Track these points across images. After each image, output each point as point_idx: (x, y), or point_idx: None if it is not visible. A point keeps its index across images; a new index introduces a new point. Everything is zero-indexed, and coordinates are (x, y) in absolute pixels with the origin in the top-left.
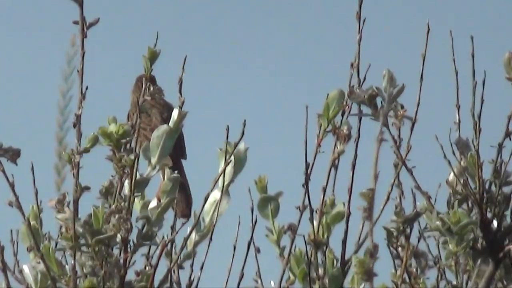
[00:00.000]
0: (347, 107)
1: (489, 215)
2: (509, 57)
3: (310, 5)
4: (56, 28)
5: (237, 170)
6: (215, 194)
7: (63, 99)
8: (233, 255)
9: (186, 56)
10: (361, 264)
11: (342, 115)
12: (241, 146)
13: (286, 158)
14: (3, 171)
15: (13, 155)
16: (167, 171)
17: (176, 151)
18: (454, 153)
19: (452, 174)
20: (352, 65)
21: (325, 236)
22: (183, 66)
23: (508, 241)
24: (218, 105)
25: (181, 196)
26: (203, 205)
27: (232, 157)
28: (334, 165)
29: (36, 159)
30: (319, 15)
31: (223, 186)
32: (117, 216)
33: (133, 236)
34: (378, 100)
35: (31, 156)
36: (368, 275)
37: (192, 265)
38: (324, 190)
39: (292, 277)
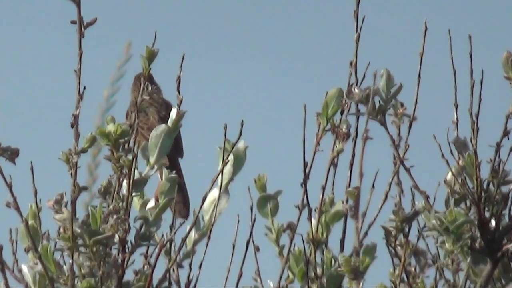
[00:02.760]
0: (346, 105)
1: (487, 214)
2: (507, 56)
3: (308, 4)
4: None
5: (237, 169)
6: (215, 193)
7: (106, 103)
8: (232, 254)
9: (184, 55)
10: (347, 262)
11: (341, 113)
12: (241, 144)
13: (286, 157)
14: (1, 172)
15: (12, 154)
16: (165, 171)
17: (172, 149)
18: (452, 153)
19: (450, 173)
20: (351, 63)
21: (324, 235)
22: (181, 65)
23: (506, 241)
24: (217, 104)
25: (178, 196)
26: (202, 204)
27: (232, 156)
28: (333, 164)
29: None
30: (317, 13)
31: (221, 185)
32: (115, 216)
33: (131, 237)
34: (377, 99)
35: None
36: (355, 273)
37: (190, 264)
38: (323, 188)
39: (291, 276)
